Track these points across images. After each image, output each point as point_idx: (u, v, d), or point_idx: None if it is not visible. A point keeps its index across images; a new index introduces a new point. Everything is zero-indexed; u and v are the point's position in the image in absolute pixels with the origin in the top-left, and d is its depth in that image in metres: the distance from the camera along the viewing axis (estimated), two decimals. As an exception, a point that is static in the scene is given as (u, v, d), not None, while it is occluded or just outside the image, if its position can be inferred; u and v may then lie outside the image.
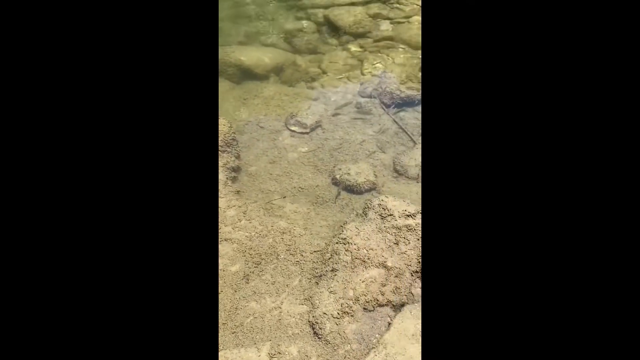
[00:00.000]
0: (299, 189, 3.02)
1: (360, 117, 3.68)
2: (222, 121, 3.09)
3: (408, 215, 2.41)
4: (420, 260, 2.20)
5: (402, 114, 3.72)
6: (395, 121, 3.63)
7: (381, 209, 2.50)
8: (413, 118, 3.66)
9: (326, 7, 4.87)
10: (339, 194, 3.00)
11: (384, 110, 3.75)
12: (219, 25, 4.60)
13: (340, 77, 4.13)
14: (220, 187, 2.79)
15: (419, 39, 4.43)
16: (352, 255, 2.27)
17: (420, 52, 4.32)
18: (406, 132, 3.51)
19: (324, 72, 4.18)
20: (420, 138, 3.45)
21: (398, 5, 4.86)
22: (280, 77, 4.23)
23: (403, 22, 4.60)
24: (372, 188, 3.02)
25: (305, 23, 4.80)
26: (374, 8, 4.79)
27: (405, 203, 2.53)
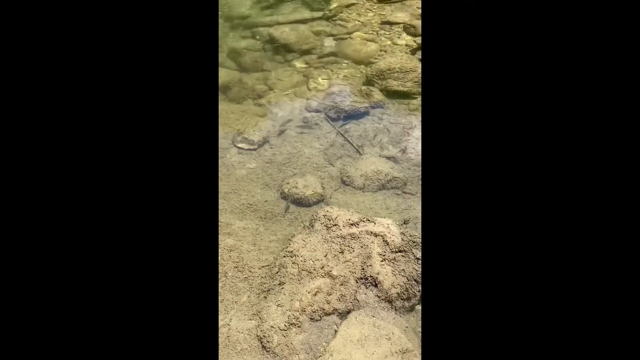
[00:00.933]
0: (248, 206, 3.05)
1: (307, 132, 3.76)
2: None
3: (352, 224, 2.49)
4: (369, 267, 2.27)
5: (347, 126, 3.83)
6: (341, 134, 3.73)
7: (326, 220, 2.56)
8: (358, 130, 3.78)
9: (271, 25, 4.98)
10: (287, 207, 3.04)
11: (330, 123, 3.85)
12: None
13: (287, 93, 4.21)
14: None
15: (362, 54, 4.60)
16: (298, 267, 2.32)
17: (362, 66, 4.48)
18: (352, 144, 3.61)
19: (271, 89, 4.25)
20: (364, 149, 3.56)
21: (340, 22, 5.04)
22: (227, 95, 4.26)
23: (345, 38, 4.77)
24: (320, 200, 3.09)
25: (250, 41, 4.88)
26: (318, 25, 4.95)
27: (349, 212, 2.61)
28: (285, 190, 3.12)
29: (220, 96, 4.22)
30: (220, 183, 3.23)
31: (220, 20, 5.21)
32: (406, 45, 4.72)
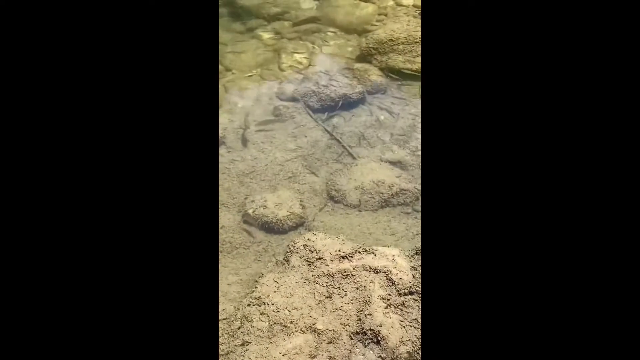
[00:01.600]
0: (197, 234, 3.04)
1: (279, 128, 3.78)
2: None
3: (343, 257, 2.50)
4: (367, 317, 2.28)
5: (335, 120, 3.87)
6: (327, 130, 3.76)
7: (308, 252, 2.57)
8: (350, 125, 3.82)
9: (226, -19, 5.03)
10: (252, 236, 3.04)
11: (311, 116, 3.88)
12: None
13: (250, 74, 4.24)
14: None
15: (354, 19, 4.66)
16: (269, 321, 2.31)
17: (355, 36, 4.53)
18: (342, 145, 3.64)
19: (227, 70, 4.27)
20: (359, 151, 3.59)
21: (324, -24, 5.10)
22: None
23: (331, -2, 4.85)
24: (299, 224, 3.10)
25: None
26: (292, -20, 5.01)
27: (339, 241, 2.62)
28: (250, 212, 3.12)
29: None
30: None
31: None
32: (414, 5, 4.80)
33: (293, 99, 4.01)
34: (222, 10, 4.81)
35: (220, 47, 4.50)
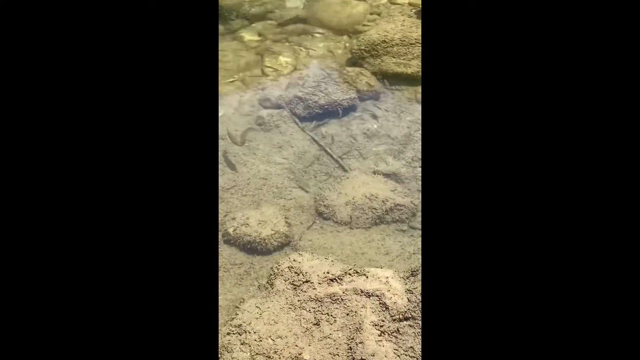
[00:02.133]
0: (172, 256, 3.04)
1: (262, 138, 3.80)
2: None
3: (332, 280, 2.50)
4: (359, 345, 2.28)
5: (324, 129, 3.88)
6: (315, 140, 3.77)
7: (293, 274, 2.56)
8: (341, 134, 3.84)
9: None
10: (232, 257, 3.04)
11: (298, 125, 3.89)
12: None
13: (231, 80, 4.25)
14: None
15: (344, 18, 4.70)
16: (251, 351, 2.31)
17: (345, 37, 4.57)
18: (331, 156, 3.66)
19: (206, 75, 4.29)
20: (350, 162, 3.60)
21: (311, -28, 5.15)
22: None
23: (319, -4, 4.89)
24: (285, 243, 3.11)
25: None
26: (276, -24, 5.04)
27: (328, 262, 2.62)
28: (230, 231, 3.12)
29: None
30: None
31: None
32: (410, 4, 4.85)
33: (278, 107, 4.02)
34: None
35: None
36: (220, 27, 4.70)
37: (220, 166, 3.56)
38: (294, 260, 2.64)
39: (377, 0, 4.93)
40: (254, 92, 4.15)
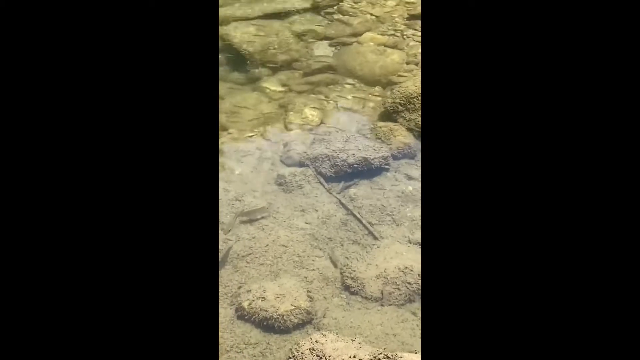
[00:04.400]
0: (178, 332, 3.00)
1: (284, 200, 3.81)
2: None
3: (359, 367, 2.45)
4: None
5: (354, 190, 3.90)
6: (342, 204, 3.78)
7: (315, 358, 2.54)
8: (372, 196, 3.84)
9: (224, 22, 5.20)
10: (245, 335, 3.00)
11: (324, 186, 3.91)
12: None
13: (251, 134, 4.31)
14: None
15: (377, 69, 4.76)
16: None
17: (378, 89, 4.63)
18: (361, 222, 3.65)
19: (224, 129, 4.37)
20: (381, 229, 3.60)
21: (341, 17, 5.26)
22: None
23: (350, 43, 4.99)
24: (306, 321, 3.07)
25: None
26: (303, 22, 5.19)
27: (354, 344, 2.58)
28: (245, 305, 3.10)
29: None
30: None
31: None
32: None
33: (301, 165, 4.05)
34: (218, 58, 4.94)
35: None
36: (241, 76, 4.81)
37: (235, 230, 3.56)
38: (316, 341, 2.60)
39: (414, 48, 4.98)
40: (276, 149, 4.21)
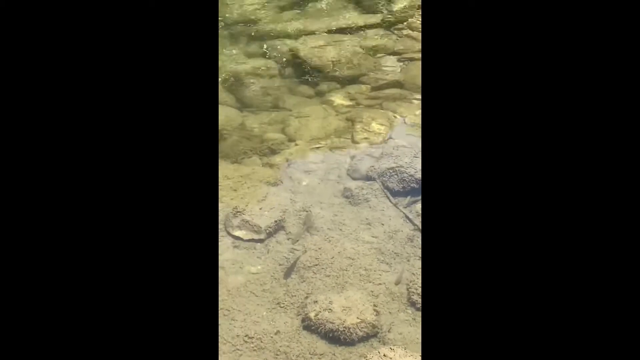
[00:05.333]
0: (245, 340, 3.07)
1: (350, 213, 3.85)
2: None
3: (428, 382, 2.45)
4: None
5: (420, 206, 3.88)
6: (408, 218, 3.79)
7: (383, 372, 2.54)
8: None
9: (295, 36, 5.30)
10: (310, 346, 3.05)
11: (390, 200, 3.94)
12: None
13: (318, 146, 4.38)
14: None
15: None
16: None
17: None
18: (427, 237, 3.64)
19: (291, 140, 4.44)
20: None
21: (410, 32, 5.31)
22: (219, 147, 4.44)
23: (418, 59, 4.98)
24: (372, 334, 3.09)
25: (260, 62, 5.17)
26: (372, 37, 5.23)
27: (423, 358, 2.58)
28: (311, 315, 3.14)
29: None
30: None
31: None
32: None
33: (368, 178, 4.08)
34: (287, 70, 5.04)
35: (283, 113, 4.69)
36: (308, 90, 4.89)
37: (302, 241, 3.62)
38: (383, 355, 2.61)
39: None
40: (342, 161, 4.25)
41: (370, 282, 3.39)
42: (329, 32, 5.29)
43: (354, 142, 4.39)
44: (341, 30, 5.30)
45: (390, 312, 3.23)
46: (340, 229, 3.73)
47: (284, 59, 5.16)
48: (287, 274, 3.43)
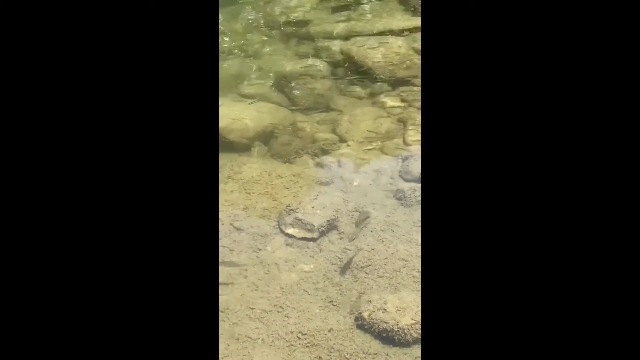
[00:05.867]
0: (299, 336, 3.09)
1: (403, 214, 3.86)
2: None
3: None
4: None
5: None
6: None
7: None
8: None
9: (346, 37, 5.33)
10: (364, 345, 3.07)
11: (443, 202, 3.92)
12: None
13: (370, 147, 4.40)
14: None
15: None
16: None
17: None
18: (481, 240, 3.64)
19: (342, 140, 4.47)
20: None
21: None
22: (270, 147, 4.51)
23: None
24: (426, 336, 3.08)
25: (312, 62, 5.22)
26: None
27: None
28: (365, 315, 3.15)
29: (259, 148, 4.47)
30: (255, 294, 3.32)
31: (262, 27, 5.63)
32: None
33: (420, 180, 4.08)
34: (338, 71, 5.08)
35: (334, 113, 4.73)
36: (360, 91, 4.91)
37: (355, 241, 3.64)
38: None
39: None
40: (395, 163, 4.26)
41: (423, 284, 3.39)
42: (380, 33, 5.29)
43: (406, 144, 4.39)
44: (392, 32, 5.30)
45: (444, 315, 3.23)
46: (393, 230, 3.74)
47: (335, 60, 5.18)
48: (343, 270, 3.46)
